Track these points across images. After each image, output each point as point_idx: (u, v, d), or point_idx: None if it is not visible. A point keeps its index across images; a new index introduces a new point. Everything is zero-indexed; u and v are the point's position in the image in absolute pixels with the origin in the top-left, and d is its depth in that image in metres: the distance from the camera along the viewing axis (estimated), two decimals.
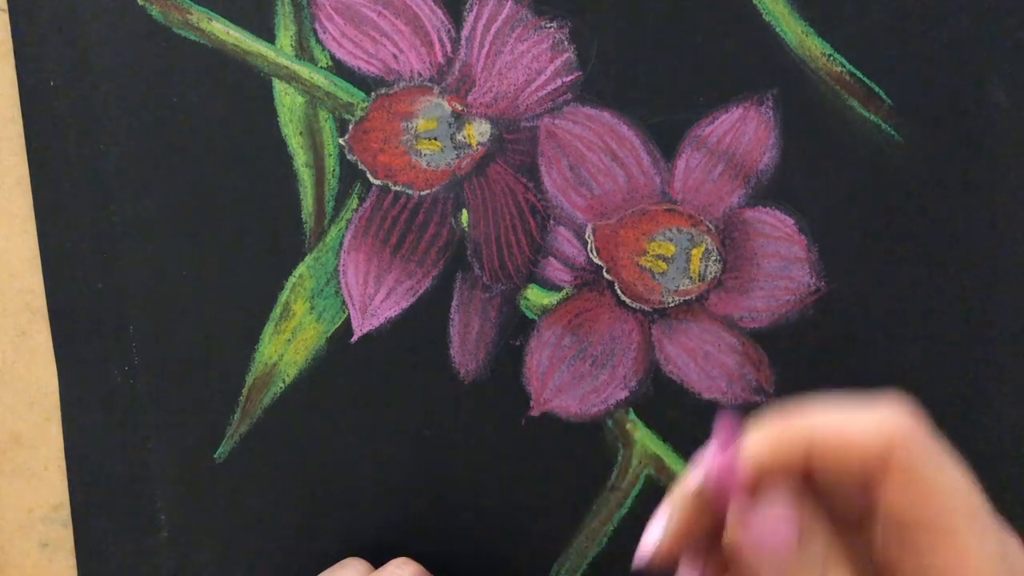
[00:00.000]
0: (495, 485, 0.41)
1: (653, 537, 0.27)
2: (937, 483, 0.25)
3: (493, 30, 0.40)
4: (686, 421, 0.41)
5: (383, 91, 0.41)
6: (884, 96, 0.40)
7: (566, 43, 0.40)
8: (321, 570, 0.41)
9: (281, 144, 0.41)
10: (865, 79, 0.40)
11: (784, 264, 0.40)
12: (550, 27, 0.40)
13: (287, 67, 0.41)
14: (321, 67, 0.41)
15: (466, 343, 0.41)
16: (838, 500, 0.26)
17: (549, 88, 0.40)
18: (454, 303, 0.41)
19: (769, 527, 0.25)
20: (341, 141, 0.41)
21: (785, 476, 0.25)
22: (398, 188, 0.41)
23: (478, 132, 0.41)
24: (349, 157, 0.41)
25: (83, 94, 0.41)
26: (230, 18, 0.41)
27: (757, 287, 0.41)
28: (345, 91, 0.41)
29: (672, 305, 0.41)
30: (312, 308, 0.41)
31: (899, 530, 0.25)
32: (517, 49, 0.40)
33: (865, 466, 0.25)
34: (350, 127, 0.41)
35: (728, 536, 0.25)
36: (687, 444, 0.41)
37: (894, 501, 0.24)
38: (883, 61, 0.40)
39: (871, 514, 0.25)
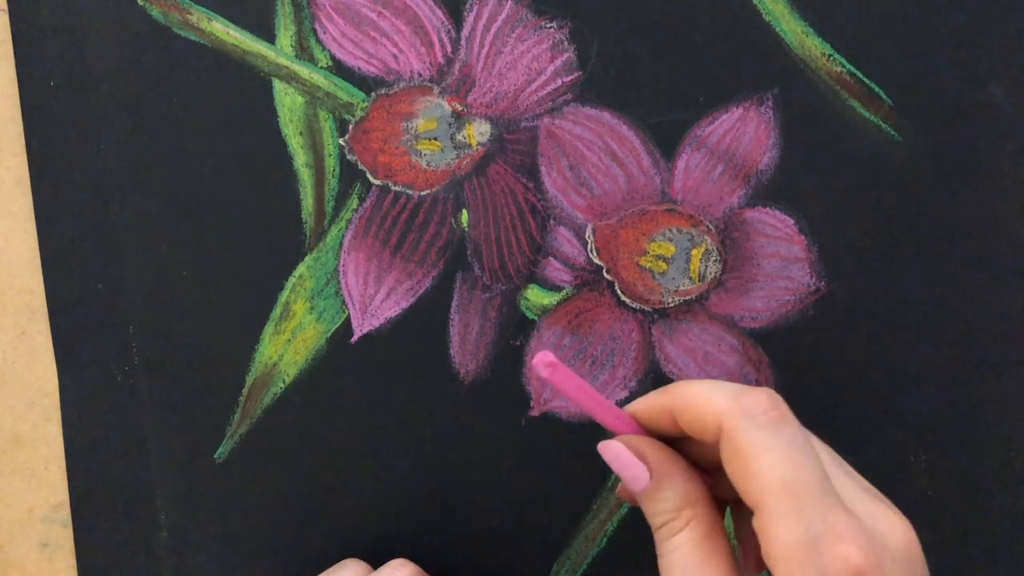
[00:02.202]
0: (495, 485, 0.41)
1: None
2: (753, 460, 0.28)
3: (493, 30, 0.40)
4: None
5: (383, 91, 0.41)
6: (884, 96, 0.40)
7: (566, 43, 0.40)
8: (320, 570, 0.41)
9: (281, 144, 0.41)
10: (865, 79, 0.40)
11: (784, 264, 0.40)
12: (550, 27, 0.40)
13: (287, 67, 0.41)
14: (321, 67, 0.41)
15: (466, 343, 0.41)
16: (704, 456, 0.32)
17: (549, 88, 0.40)
18: (454, 303, 0.41)
19: (621, 457, 0.31)
20: (341, 141, 0.41)
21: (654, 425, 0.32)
22: (398, 188, 0.41)
23: (478, 132, 0.41)
24: (349, 157, 0.41)
25: (83, 94, 0.41)
26: (230, 18, 0.41)
27: (757, 287, 0.41)
28: (345, 91, 0.41)
29: (672, 305, 0.41)
30: (312, 308, 0.41)
31: (734, 487, 0.29)
32: (517, 49, 0.40)
33: (707, 430, 0.30)
34: (350, 127, 0.41)
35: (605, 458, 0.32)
36: None
37: (726, 461, 0.29)
38: (883, 61, 0.40)
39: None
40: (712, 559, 0.29)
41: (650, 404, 0.32)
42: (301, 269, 0.41)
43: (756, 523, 0.28)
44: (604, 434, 0.41)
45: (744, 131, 0.40)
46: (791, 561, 0.26)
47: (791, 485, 0.27)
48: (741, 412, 0.29)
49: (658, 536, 0.31)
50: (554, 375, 0.30)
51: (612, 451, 0.32)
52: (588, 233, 0.41)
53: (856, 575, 0.26)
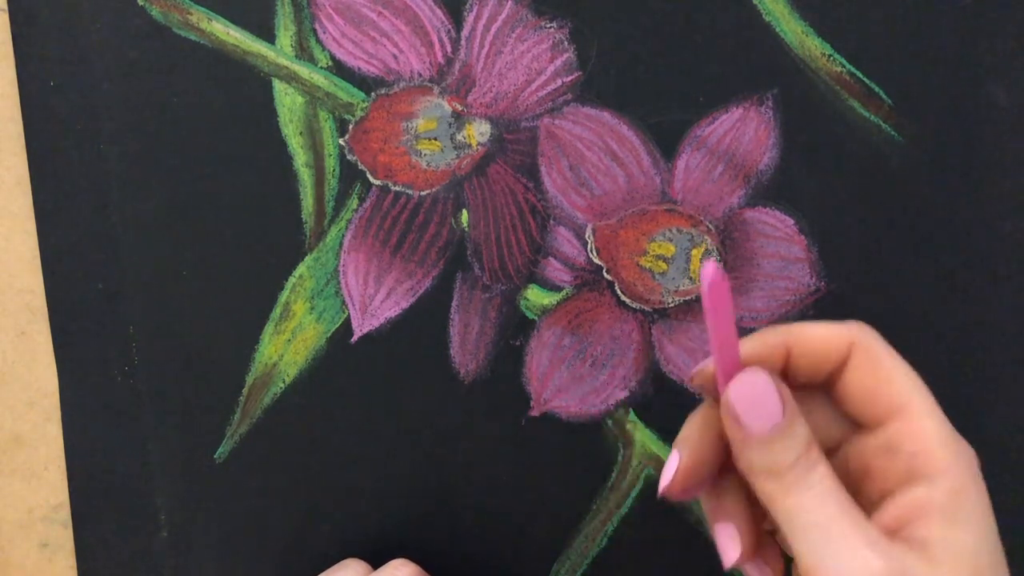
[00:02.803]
0: (495, 485, 0.41)
1: (671, 463, 0.31)
2: (892, 364, 0.30)
3: (493, 30, 0.40)
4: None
5: (383, 91, 0.41)
6: (884, 96, 0.40)
7: (566, 43, 0.40)
8: (320, 570, 0.41)
9: (281, 144, 0.41)
10: (865, 79, 0.40)
11: (784, 264, 0.40)
12: (550, 27, 0.40)
13: (287, 67, 0.41)
14: (321, 67, 0.41)
15: (466, 343, 0.41)
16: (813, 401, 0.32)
17: (549, 88, 0.40)
18: (454, 303, 0.41)
19: (759, 389, 0.29)
20: (341, 141, 0.41)
21: (772, 369, 0.30)
22: (398, 188, 0.41)
23: (478, 132, 0.41)
24: (349, 157, 0.41)
25: (83, 94, 0.41)
26: (230, 18, 0.41)
27: (757, 287, 0.41)
28: (345, 91, 0.41)
29: (672, 305, 0.41)
30: (312, 308, 0.41)
31: (862, 407, 0.30)
32: (517, 49, 0.40)
33: (832, 355, 0.30)
34: (350, 127, 0.41)
35: (724, 401, 0.29)
36: None
37: (857, 382, 0.30)
38: (883, 61, 0.40)
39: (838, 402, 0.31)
40: (845, 487, 0.29)
41: (760, 344, 0.31)
42: (301, 269, 0.41)
43: (894, 428, 0.29)
44: (603, 435, 0.41)
45: (744, 131, 0.40)
46: (946, 448, 0.29)
47: (927, 389, 0.30)
48: (872, 334, 0.30)
49: (792, 475, 0.28)
50: (713, 290, 0.28)
51: (750, 384, 0.29)
52: (588, 233, 0.41)
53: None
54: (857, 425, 0.32)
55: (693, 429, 0.31)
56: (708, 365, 0.31)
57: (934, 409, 0.30)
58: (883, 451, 0.30)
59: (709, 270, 0.28)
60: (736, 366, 0.30)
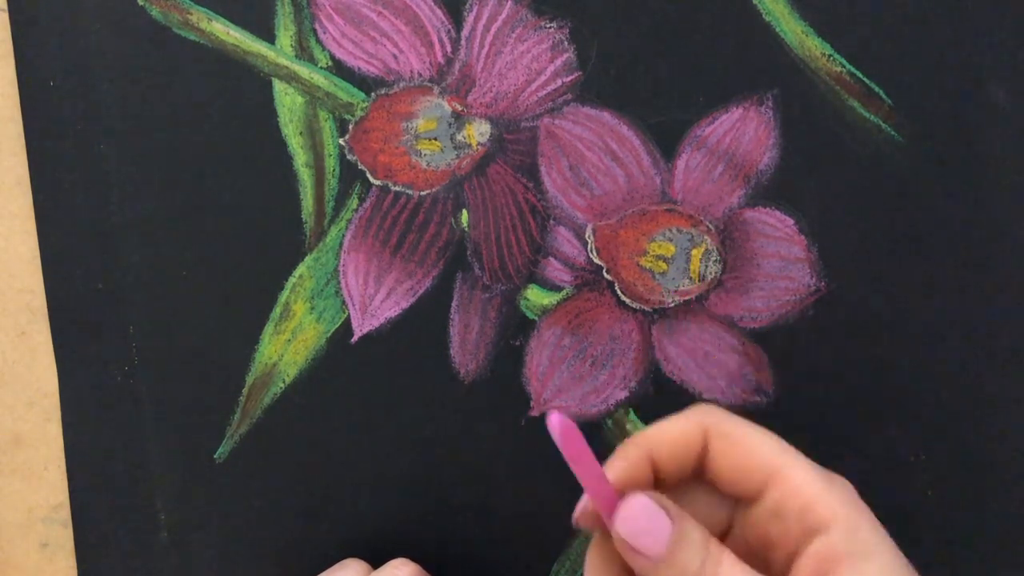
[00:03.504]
0: (495, 485, 0.41)
1: None
2: (748, 435, 0.31)
3: (493, 30, 0.40)
4: None
5: (383, 91, 0.41)
6: (884, 96, 0.40)
7: (566, 43, 0.40)
8: (320, 570, 0.41)
9: (281, 144, 0.41)
10: (865, 79, 0.40)
11: (784, 264, 0.40)
12: (550, 27, 0.40)
13: (287, 67, 0.41)
14: (321, 67, 0.41)
15: (466, 343, 0.41)
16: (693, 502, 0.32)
17: (549, 88, 0.40)
18: (454, 303, 0.41)
19: (645, 513, 0.29)
20: (341, 141, 0.41)
21: (644, 484, 0.31)
22: (398, 188, 0.41)
23: (478, 132, 0.41)
24: (349, 157, 0.41)
25: (83, 94, 0.41)
26: (230, 18, 0.41)
27: (757, 287, 0.41)
28: (345, 91, 0.41)
29: (672, 305, 0.41)
30: (312, 308, 0.41)
31: (736, 485, 0.31)
32: (517, 49, 0.40)
33: (691, 447, 0.31)
34: (350, 127, 0.41)
35: (615, 536, 0.29)
36: None
37: (722, 464, 0.31)
38: (883, 61, 0.40)
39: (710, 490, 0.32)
40: (753, 563, 0.30)
41: (625, 464, 0.31)
42: (301, 269, 0.41)
43: (772, 494, 0.30)
44: (603, 435, 0.41)
45: (744, 131, 0.40)
46: (825, 495, 0.30)
47: (789, 447, 0.31)
48: (720, 414, 0.32)
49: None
50: (566, 438, 0.29)
51: (634, 512, 0.30)
52: (588, 233, 0.41)
53: None
54: (737, 500, 0.32)
55: (596, 569, 0.31)
56: (587, 505, 0.31)
57: (798, 461, 0.30)
58: (773, 517, 0.30)
59: (554, 421, 0.29)
60: (613, 498, 0.30)
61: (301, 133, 0.41)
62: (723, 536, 0.32)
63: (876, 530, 0.30)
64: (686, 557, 0.29)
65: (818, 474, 0.30)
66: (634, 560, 0.29)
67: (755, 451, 0.31)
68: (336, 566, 0.40)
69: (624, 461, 0.31)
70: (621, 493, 0.30)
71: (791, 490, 0.30)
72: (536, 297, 0.41)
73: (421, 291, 0.41)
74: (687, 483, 0.32)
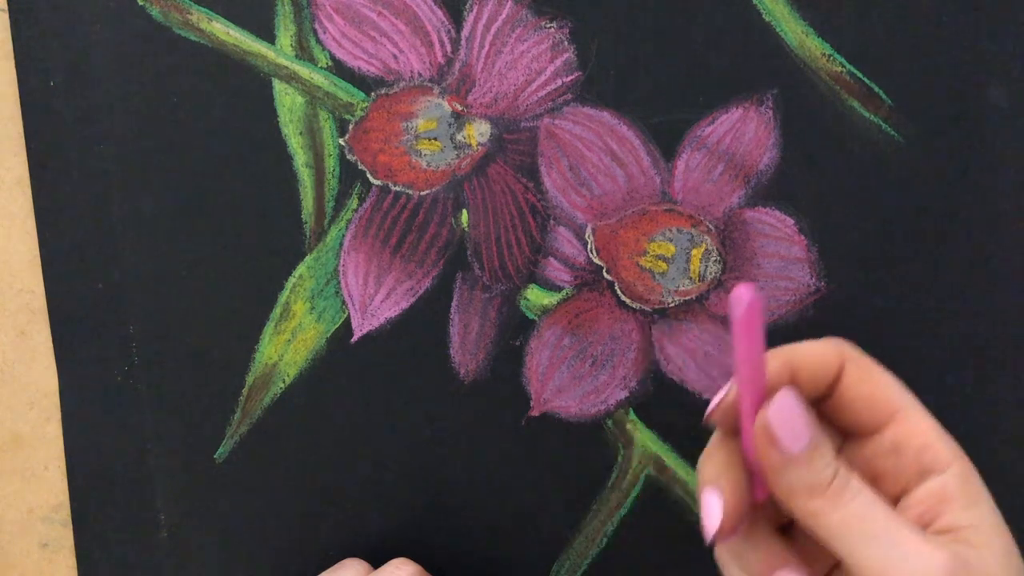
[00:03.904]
0: (495, 485, 0.41)
1: (713, 507, 0.31)
2: (881, 372, 0.32)
3: (493, 30, 0.40)
4: (686, 421, 0.41)
5: (383, 91, 0.41)
6: (884, 96, 0.40)
7: (566, 43, 0.40)
8: (321, 570, 0.41)
9: (281, 144, 0.41)
10: (865, 79, 0.40)
11: (784, 264, 0.40)
12: (550, 27, 0.40)
13: (287, 67, 0.41)
14: (321, 67, 0.41)
15: (466, 343, 0.41)
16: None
17: (549, 88, 0.40)
18: (454, 303, 0.41)
19: (794, 410, 0.29)
20: (341, 141, 0.41)
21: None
22: (398, 188, 0.41)
23: (478, 132, 0.41)
24: (349, 157, 0.41)
25: (83, 94, 0.41)
26: (230, 18, 0.41)
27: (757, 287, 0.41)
28: (345, 91, 0.41)
29: (672, 305, 0.41)
30: (312, 308, 0.41)
31: (861, 415, 0.31)
32: (517, 49, 0.40)
33: (829, 370, 0.32)
34: (350, 127, 0.41)
35: (758, 424, 0.30)
36: (687, 444, 0.41)
37: (855, 391, 0.32)
38: (883, 61, 0.40)
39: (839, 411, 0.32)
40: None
41: (770, 368, 0.31)
42: (301, 269, 0.41)
43: (894, 430, 0.31)
44: (603, 435, 0.41)
45: (744, 131, 0.40)
46: (945, 440, 0.31)
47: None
48: (854, 347, 0.33)
49: (833, 489, 0.29)
50: (746, 312, 0.28)
51: (787, 406, 0.29)
52: (588, 233, 0.41)
53: None
54: (849, 435, 0.33)
55: (719, 467, 0.31)
56: (728, 396, 0.31)
57: (923, 408, 0.32)
58: (890, 453, 0.31)
59: (743, 292, 0.28)
60: (763, 391, 0.30)
61: (301, 133, 0.41)
62: None
63: (984, 488, 0.31)
64: (821, 463, 0.29)
65: (938, 424, 0.31)
66: (770, 454, 0.29)
67: (885, 385, 0.32)
68: (336, 566, 0.40)
69: (769, 366, 0.31)
70: (767, 390, 0.30)
71: (914, 428, 0.31)
72: (536, 297, 0.41)
73: (421, 291, 0.41)
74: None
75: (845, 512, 0.29)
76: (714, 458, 0.31)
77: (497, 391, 0.41)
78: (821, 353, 0.32)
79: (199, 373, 0.41)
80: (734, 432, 0.31)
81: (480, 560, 0.41)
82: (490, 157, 0.41)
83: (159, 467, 0.42)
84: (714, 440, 0.32)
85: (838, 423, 0.33)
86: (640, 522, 0.41)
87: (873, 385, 0.32)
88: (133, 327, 0.41)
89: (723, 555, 0.33)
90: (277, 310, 0.41)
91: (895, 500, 0.31)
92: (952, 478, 0.30)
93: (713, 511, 0.31)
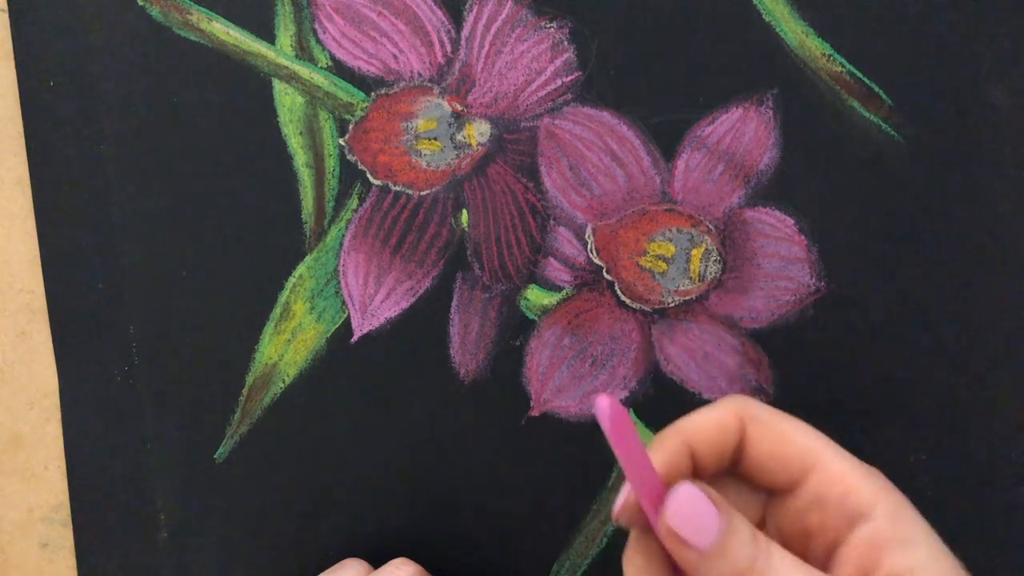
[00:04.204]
0: (495, 485, 0.41)
1: None
2: (785, 423, 0.31)
3: (493, 30, 0.40)
4: None
5: (383, 91, 0.41)
6: (884, 96, 0.40)
7: (566, 43, 0.40)
8: (321, 570, 0.41)
9: (281, 144, 0.41)
10: (865, 79, 0.40)
11: (784, 264, 0.40)
12: (550, 27, 0.40)
13: (287, 67, 0.41)
14: (321, 67, 0.41)
15: (466, 343, 0.41)
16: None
17: (549, 88, 0.40)
18: (454, 303, 0.41)
19: (695, 504, 0.28)
20: (341, 141, 0.41)
21: (684, 475, 0.30)
22: (398, 188, 0.41)
23: (478, 132, 0.41)
24: (349, 157, 0.41)
25: (83, 94, 0.41)
26: (230, 18, 0.41)
27: (757, 287, 0.41)
28: (345, 91, 0.41)
29: (672, 305, 0.41)
30: (312, 308, 0.41)
31: (774, 474, 0.30)
32: (517, 49, 0.40)
33: (730, 436, 0.30)
34: (350, 127, 0.41)
35: (661, 527, 0.28)
36: None
37: (761, 451, 0.30)
38: (883, 61, 0.40)
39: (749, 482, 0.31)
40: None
41: (665, 455, 0.30)
42: (301, 269, 0.41)
43: (813, 481, 0.30)
44: (600, 435, 0.41)
45: (744, 131, 0.40)
46: (866, 479, 0.29)
47: (822, 435, 0.31)
48: (754, 403, 0.31)
49: (757, 571, 0.28)
50: (615, 423, 0.27)
51: (686, 502, 0.28)
52: (588, 233, 0.41)
53: None
54: (770, 493, 0.31)
55: (641, 570, 0.30)
56: (629, 497, 0.29)
57: (835, 449, 0.30)
58: (814, 506, 0.30)
59: (604, 404, 0.27)
60: (659, 489, 0.29)
61: (301, 133, 0.41)
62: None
63: (917, 517, 0.29)
64: (737, 550, 0.28)
65: (855, 462, 0.30)
66: (681, 554, 0.28)
67: (792, 439, 0.30)
68: (336, 566, 0.40)
69: (664, 452, 0.30)
70: (665, 484, 0.29)
71: (832, 477, 0.29)
72: (536, 297, 0.41)
73: (421, 291, 0.41)
74: (720, 477, 0.31)
75: None
76: (634, 562, 0.30)
77: (497, 391, 0.41)
78: (717, 421, 0.30)
79: (199, 373, 0.41)
80: (647, 528, 0.30)
81: (480, 560, 0.41)
82: (490, 157, 0.41)
83: (159, 467, 0.42)
84: (632, 540, 0.30)
85: (757, 483, 0.31)
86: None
87: (779, 442, 0.30)
88: (133, 327, 0.41)
89: None
90: (277, 310, 0.41)
91: (830, 552, 0.30)
92: (881, 520, 0.29)
93: None
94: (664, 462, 0.30)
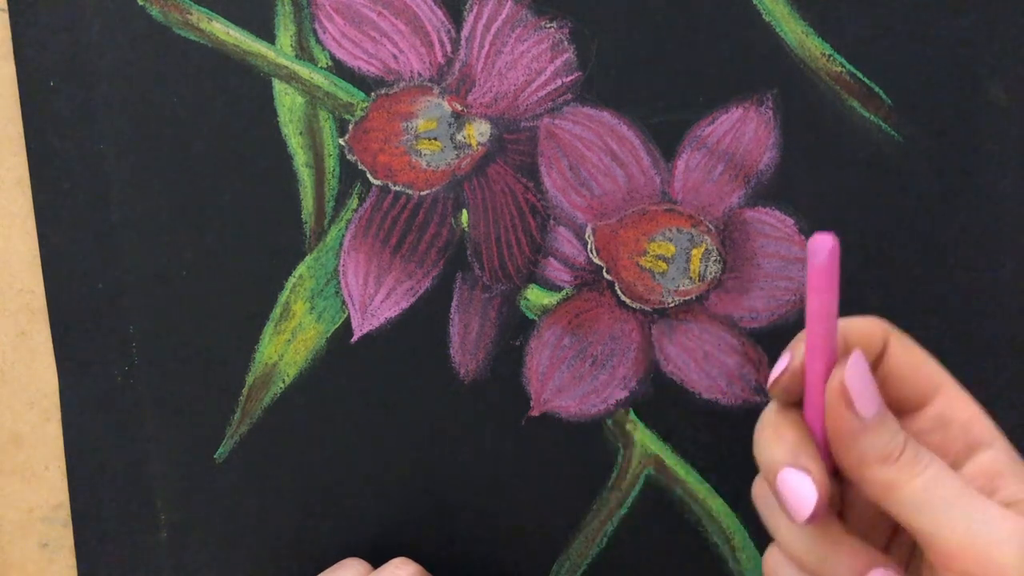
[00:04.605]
0: (495, 485, 0.41)
1: (805, 488, 0.29)
2: (920, 349, 0.32)
3: (493, 30, 0.40)
4: (686, 421, 0.41)
5: (383, 91, 0.41)
6: (884, 96, 0.40)
7: (566, 43, 0.40)
8: (320, 570, 0.41)
9: (281, 144, 0.41)
10: (865, 79, 0.40)
11: (784, 264, 0.40)
12: (550, 27, 0.40)
13: (287, 67, 0.41)
14: (321, 67, 0.41)
15: (466, 343, 0.41)
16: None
17: (549, 88, 0.40)
18: (454, 303, 0.41)
19: (867, 374, 0.28)
20: (341, 141, 0.41)
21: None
22: (398, 188, 0.41)
23: (478, 132, 0.41)
24: (349, 157, 0.41)
25: (83, 94, 0.41)
26: (230, 18, 0.41)
27: (757, 287, 0.41)
28: (345, 91, 0.41)
29: (672, 305, 0.41)
30: (312, 308, 0.41)
31: (907, 389, 0.31)
32: (517, 49, 0.40)
33: (877, 345, 0.31)
34: (350, 127, 0.41)
35: (833, 382, 0.28)
36: (687, 444, 0.41)
37: (900, 364, 0.31)
38: (883, 61, 0.40)
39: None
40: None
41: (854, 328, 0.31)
42: (301, 269, 0.41)
43: (939, 404, 0.31)
44: (603, 435, 0.41)
45: (744, 131, 0.40)
46: (987, 415, 0.31)
47: None
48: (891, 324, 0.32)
49: (906, 457, 0.28)
50: (825, 262, 0.27)
51: (861, 369, 0.28)
52: (588, 233, 0.41)
53: None
54: (895, 411, 0.31)
55: (793, 443, 0.29)
56: (794, 361, 0.30)
57: (961, 386, 0.32)
58: (937, 427, 0.31)
59: (826, 241, 0.26)
60: (834, 353, 0.29)
61: (301, 133, 0.41)
62: None
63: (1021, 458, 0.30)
64: (891, 431, 0.28)
65: (973, 399, 0.31)
66: (847, 422, 0.28)
67: (929, 362, 0.32)
68: (336, 566, 0.40)
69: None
70: (836, 353, 0.29)
71: (960, 402, 0.31)
72: (536, 297, 0.41)
73: (421, 291, 0.41)
74: None
75: (921, 481, 0.28)
76: (784, 435, 0.30)
77: (497, 391, 0.41)
78: (867, 328, 0.31)
79: (199, 373, 0.41)
80: (793, 404, 0.30)
81: (480, 560, 0.41)
82: (490, 157, 0.41)
83: (159, 467, 0.42)
84: (771, 416, 0.30)
85: (885, 398, 0.31)
86: (640, 522, 0.41)
87: (917, 360, 0.31)
88: (133, 327, 0.41)
89: (790, 558, 0.30)
90: (277, 310, 0.41)
91: None
92: (1001, 453, 0.30)
93: (805, 491, 0.28)
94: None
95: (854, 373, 0.28)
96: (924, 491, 0.28)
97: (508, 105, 0.41)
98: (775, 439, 0.30)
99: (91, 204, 0.41)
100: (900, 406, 0.31)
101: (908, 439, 0.29)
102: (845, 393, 0.28)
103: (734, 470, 0.41)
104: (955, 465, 0.30)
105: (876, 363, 0.31)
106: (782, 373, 0.30)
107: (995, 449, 0.30)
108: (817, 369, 0.29)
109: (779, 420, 0.30)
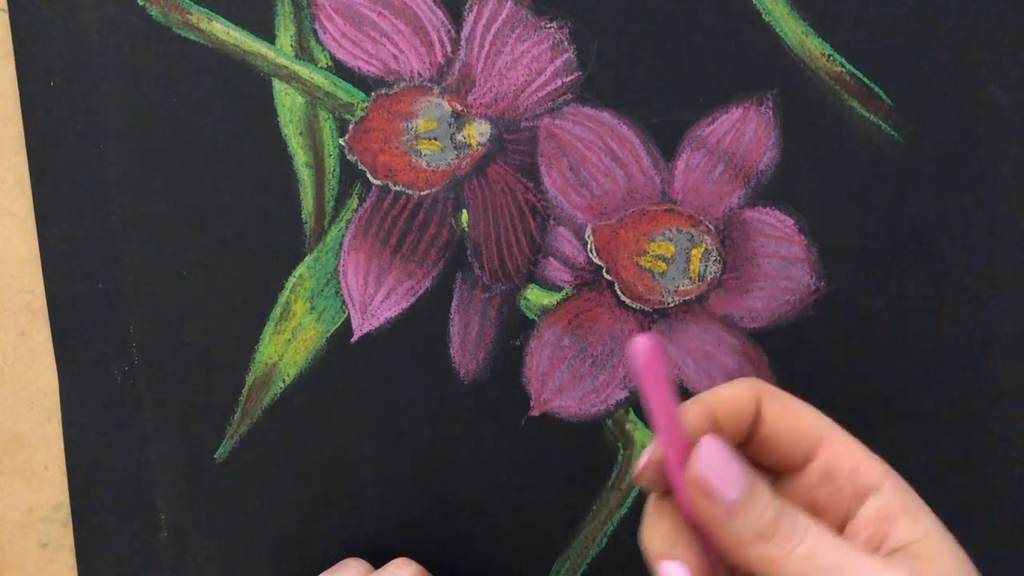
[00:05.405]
0: (495, 485, 0.41)
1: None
2: (796, 403, 0.31)
3: (493, 30, 0.40)
4: None
5: (383, 91, 0.41)
6: (884, 96, 0.40)
7: (566, 43, 0.40)
8: (321, 570, 0.41)
9: (281, 144, 0.41)
10: (865, 79, 0.40)
11: (784, 264, 0.40)
12: (550, 27, 0.40)
13: (287, 67, 0.41)
14: (321, 67, 0.41)
15: (466, 343, 0.41)
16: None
17: (549, 88, 0.40)
18: (454, 303, 0.41)
19: (724, 456, 0.28)
20: (341, 141, 0.41)
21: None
22: (398, 188, 0.41)
23: (478, 132, 0.41)
24: (349, 157, 0.41)
25: (83, 94, 0.41)
26: (230, 18, 0.41)
27: (757, 287, 0.41)
28: (345, 91, 0.41)
29: (672, 305, 0.41)
30: (312, 308, 0.41)
31: (788, 449, 0.31)
32: (517, 49, 0.40)
33: (747, 410, 0.31)
34: (350, 127, 0.41)
35: (689, 473, 0.28)
36: None
37: (776, 427, 0.31)
38: (883, 61, 0.40)
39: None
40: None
41: (691, 418, 0.30)
42: (301, 269, 0.41)
43: (823, 457, 0.31)
44: (603, 435, 0.41)
45: (744, 131, 0.40)
46: (872, 456, 0.31)
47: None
48: (769, 385, 0.32)
49: (783, 529, 0.28)
50: (647, 364, 0.27)
51: (715, 453, 0.28)
52: (588, 233, 0.41)
53: None
54: (779, 472, 0.32)
55: (667, 535, 0.30)
56: (653, 455, 0.30)
57: (843, 430, 0.31)
58: (824, 480, 0.30)
59: (642, 344, 0.26)
60: (686, 443, 0.28)
61: (301, 133, 0.41)
62: None
63: (915, 493, 0.30)
64: (762, 506, 0.28)
65: (859, 441, 0.31)
66: (707, 508, 0.28)
67: (805, 416, 0.31)
68: (336, 566, 0.40)
69: (689, 415, 0.30)
70: (691, 441, 0.29)
71: (843, 452, 0.30)
72: (536, 297, 0.41)
73: (421, 291, 0.41)
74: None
75: (801, 551, 0.27)
76: (659, 527, 0.30)
77: (497, 391, 0.41)
78: (736, 395, 0.31)
79: (199, 373, 0.41)
80: (668, 492, 0.30)
81: (480, 560, 0.41)
82: (490, 157, 0.41)
83: (159, 467, 0.42)
84: (652, 507, 0.30)
85: (766, 462, 0.32)
86: (640, 522, 0.41)
87: (793, 417, 0.31)
88: (133, 327, 0.41)
89: None
90: (277, 310, 0.41)
91: (840, 528, 0.30)
92: (890, 494, 0.29)
93: None
94: (689, 424, 0.30)
95: (706, 461, 0.28)
96: (807, 561, 0.27)
97: (508, 105, 0.41)
98: (652, 530, 0.30)
99: (91, 204, 0.41)
100: (784, 465, 0.31)
101: (782, 508, 0.28)
102: (701, 483, 0.28)
103: None
104: (847, 516, 0.30)
105: (751, 430, 0.31)
106: (643, 468, 0.30)
107: (883, 492, 0.29)
108: (675, 460, 0.29)
109: (655, 510, 0.30)
